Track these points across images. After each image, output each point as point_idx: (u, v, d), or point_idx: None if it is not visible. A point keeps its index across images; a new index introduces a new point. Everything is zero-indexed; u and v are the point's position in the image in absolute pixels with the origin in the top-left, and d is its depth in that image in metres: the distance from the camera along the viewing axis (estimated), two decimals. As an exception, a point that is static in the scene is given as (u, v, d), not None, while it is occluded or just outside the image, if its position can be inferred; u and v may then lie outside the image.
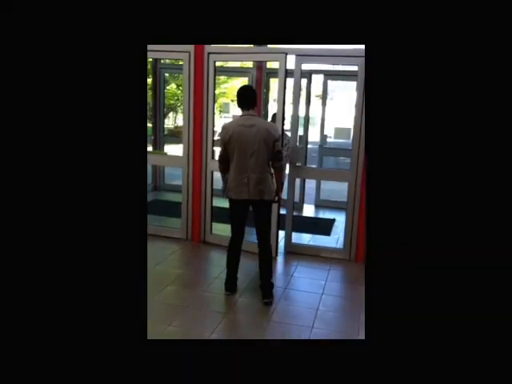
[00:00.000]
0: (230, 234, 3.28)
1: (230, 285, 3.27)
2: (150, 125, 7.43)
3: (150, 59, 6.30)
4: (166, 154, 5.36)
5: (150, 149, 6.92)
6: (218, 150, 4.03)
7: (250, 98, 3.10)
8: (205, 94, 4.13)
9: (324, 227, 5.18)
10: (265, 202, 3.11)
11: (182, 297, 3.21)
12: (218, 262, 3.76)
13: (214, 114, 4.26)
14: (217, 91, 13.78)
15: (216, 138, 4.22)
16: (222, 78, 12.99)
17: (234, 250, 3.25)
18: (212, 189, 4.36)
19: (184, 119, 4.34)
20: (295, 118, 4.03)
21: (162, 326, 2.74)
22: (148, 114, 7.29)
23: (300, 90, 3.99)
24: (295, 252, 4.20)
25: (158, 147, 6.73)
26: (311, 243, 4.57)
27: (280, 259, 4.11)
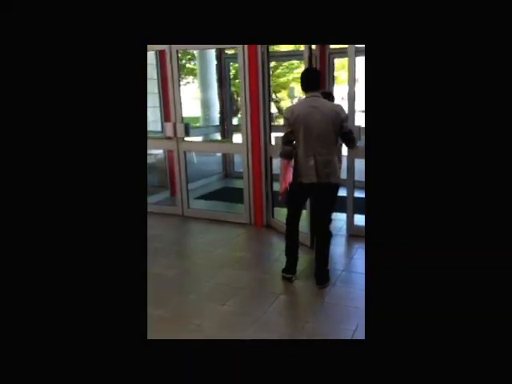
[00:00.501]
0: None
1: (290, 269, 3.25)
2: (218, 115, 7.67)
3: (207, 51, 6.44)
4: (229, 141, 5.56)
5: (219, 138, 7.18)
6: (275, 135, 4.07)
7: (313, 80, 3.04)
8: (260, 80, 4.15)
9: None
10: (331, 185, 3.02)
11: (239, 278, 3.30)
12: (278, 246, 3.80)
13: (270, 99, 4.29)
14: (290, 77, 13.76)
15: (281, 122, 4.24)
16: (296, 63, 12.91)
17: (290, 238, 3.21)
18: (272, 174, 4.40)
19: (241, 107, 4.41)
20: (352, 97, 3.89)
21: (216, 305, 2.88)
22: (217, 103, 7.51)
23: (355, 69, 3.84)
24: (358, 235, 4.06)
25: (227, 136, 6.95)
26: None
27: (341, 242, 4.04)
